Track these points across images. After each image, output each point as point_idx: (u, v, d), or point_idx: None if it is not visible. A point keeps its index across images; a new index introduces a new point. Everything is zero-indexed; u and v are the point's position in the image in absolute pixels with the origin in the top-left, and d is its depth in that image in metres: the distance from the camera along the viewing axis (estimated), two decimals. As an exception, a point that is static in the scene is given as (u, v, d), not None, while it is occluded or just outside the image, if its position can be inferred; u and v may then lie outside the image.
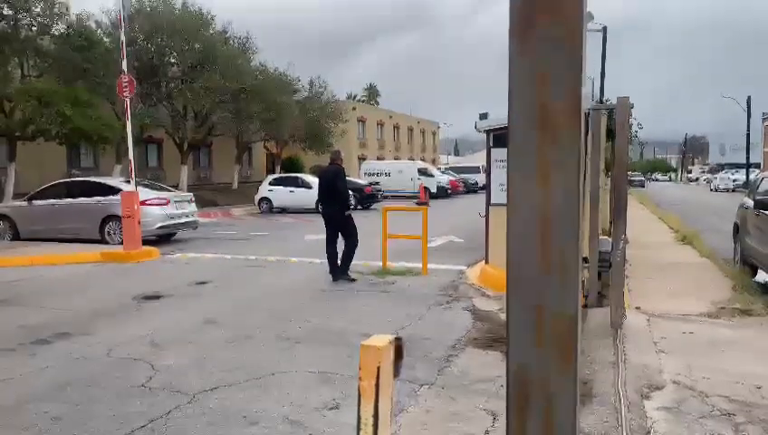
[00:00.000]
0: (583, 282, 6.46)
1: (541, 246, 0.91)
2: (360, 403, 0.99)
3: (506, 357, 0.92)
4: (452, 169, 46.71)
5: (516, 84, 0.92)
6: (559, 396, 0.91)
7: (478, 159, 49.36)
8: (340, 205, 9.28)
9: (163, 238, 14.63)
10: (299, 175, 28.42)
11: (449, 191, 36.55)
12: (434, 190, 35.12)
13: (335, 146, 38.93)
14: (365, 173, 36.60)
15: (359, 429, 1.00)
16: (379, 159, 47.72)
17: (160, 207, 13.97)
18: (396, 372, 1.01)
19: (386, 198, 30.37)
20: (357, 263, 10.32)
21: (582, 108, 0.91)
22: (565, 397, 0.91)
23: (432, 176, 36.56)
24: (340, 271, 9.20)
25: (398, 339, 1.05)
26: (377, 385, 0.95)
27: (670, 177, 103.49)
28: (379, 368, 0.94)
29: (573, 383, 0.90)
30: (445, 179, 37.22)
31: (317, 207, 24.49)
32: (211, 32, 28.79)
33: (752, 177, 35.20)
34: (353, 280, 9.12)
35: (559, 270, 0.90)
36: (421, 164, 40.19)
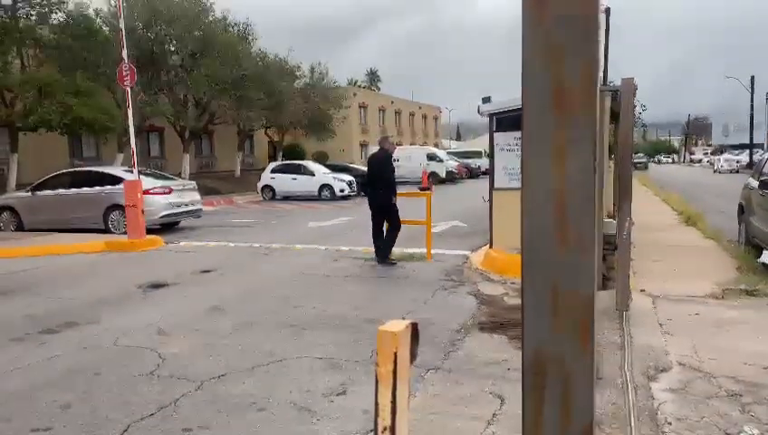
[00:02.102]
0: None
1: (556, 226, 0.89)
2: (377, 389, 0.98)
3: (522, 338, 0.91)
4: (454, 153, 46.55)
5: (530, 61, 0.90)
6: (576, 376, 0.90)
7: (480, 144, 49.18)
8: (386, 192, 9.30)
9: (167, 227, 14.64)
10: (301, 162, 28.38)
11: (457, 176, 36.63)
12: (443, 176, 35.03)
13: (336, 132, 38.88)
14: None
15: (376, 415, 1.00)
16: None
17: (163, 195, 13.98)
18: (412, 358, 1.01)
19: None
20: (358, 249, 10.33)
21: (598, 85, 0.89)
22: (582, 377, 0.90)
23: (441, 161, 36.43)
24: (382, 256, 9.33)
25: (414, 324, 1.04)
26: (394, 371, 0.94)
27: (673, 158, 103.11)
28: (396, 353, 0.93)
29: (590, 363, 0.89)
30: (453, 164, 37.08)
31: (320, 193, 24.73)
32: (210, 18, 28.62)
33: (756, 157, 35.08)
34: (394, 263, 9.25)
35: (575, 248, 0.89)
36: (430, 149, 39.93)
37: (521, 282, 0.91)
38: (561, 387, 0.91)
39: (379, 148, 9.67)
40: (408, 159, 35.89)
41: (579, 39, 0.88)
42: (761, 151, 42.54)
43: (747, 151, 48.28)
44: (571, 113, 0.90)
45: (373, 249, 9.57)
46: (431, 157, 36.50)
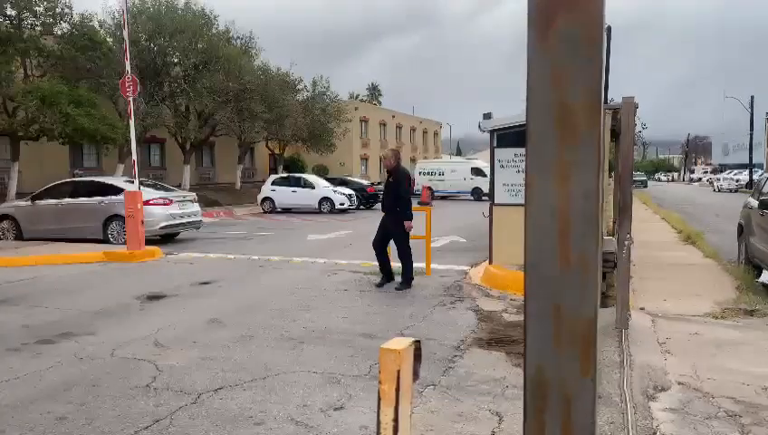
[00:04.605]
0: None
1: (560, 247, 0.90)
2: (379, 407, 0.98)
3: (524, 358, 0.91)
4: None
5: (535, 83, 0.91)
6: (577, 398, 0.90)
7: (480, 159, 49.09)
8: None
9: (166, 238, 14.64)
10: (302, 175, 28.45)
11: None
12: (487, 191, 34.42)
13: (337, 145, 38.96)
14: (419, 172, 36.03)
15: (378, 434, 0.99)
16: (381, 158, 47.49)
17: (163, 206, 13.99)
18: (415, 376, 1.00)
19: (436, 198, 30.17)
20: (357, 262, 10.31)
21: (602, 107, 0.90)
22: (584, 399, 0.90)
23: (486, 176, 35.92)
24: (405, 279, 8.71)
25: (416, 342, 1.04)
26: (397, 389, 0.94)
27: (672, 177, 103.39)
28: (399, 372, 0.93)
29: (592, 385, 0.89)
30: None
31: (320, 207, 24.77)
32: (214, 31, 28.82)
33: (755, 177, 35.16)
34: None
35: (578, 270, 0.89)
36: (476, 163, 38.61)
37: (524, 303, 0.91)
38: (562, 409, 0.90)
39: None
40: (453, 173, 34.85)
41: (583, 63, 0.89)
42: (760, 171, 42.68)
43: (747, 171, 48.41)
44: (574, 136, 0.90)
45: (373, 263, 9.47)
46: (476, 171, 35.48)
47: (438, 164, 38.06)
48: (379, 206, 20.11)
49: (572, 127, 0.90)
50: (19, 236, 14.47)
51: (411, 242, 9.15)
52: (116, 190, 13.74)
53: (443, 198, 33.42)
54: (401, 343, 0.96)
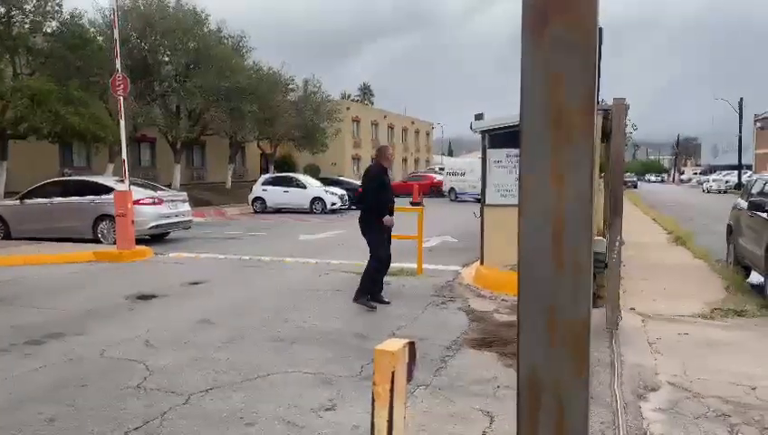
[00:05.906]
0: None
1: (553, 247, 0.90)
2: (373, 408, 0.97)
3: (517, 358, 0.91)
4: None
5: (529, 84, 0.91)
6: (571, 399, 0.90)
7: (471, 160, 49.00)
8: (364, 212, 8.05)
9: (156, 238, 14.55)
10: (293, 174, 28.36)
11: None
12: None
13: (328, 145, 38.85)
14: (447, 172, 35.92)
15: (372, 434, 0.99)
16: (373, 159, 47.34)
17: (154, 206, 13.91)
18: (409, 377, 1.00)
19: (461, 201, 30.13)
20: (350, 263, 10.29)
21: (595, 110, 0.90)
22: (577, 400, 0.90)
23: None
24: (356, 293, 7.67)
25: (411, 343, 1.04)
26: (391, 390, 0.94)
27: (663, 178, 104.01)
28: (393, 373, 0.93)
29: (585, 386, 0.90)
30: None
31: (311, 207, 24.69)
32: (205, 30, 28.67)
33: (744, 178, 35.44)
34: (372, 307, 7.42)
35: (572, 271, 0.89)
36: None
37: (517, 303, 0.91)
38: (556, 410, 0.91)
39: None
40: (472, 172, 32.95)
41: (577, 64, 0.90)
42: (749, 173, 43.02)
43: (736, 172, 48.78)
44: (569, 137, 0.91)
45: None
46: None
47: (464, 163, 37.22)
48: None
49: (567, 128, 0.90)
50: (7, 236, 14.34)
51: (404, 242, 9.13)
52: (106, 190, 13.64)
53: (478, 199, 32.44)
54: (396, 345, 0.96)
